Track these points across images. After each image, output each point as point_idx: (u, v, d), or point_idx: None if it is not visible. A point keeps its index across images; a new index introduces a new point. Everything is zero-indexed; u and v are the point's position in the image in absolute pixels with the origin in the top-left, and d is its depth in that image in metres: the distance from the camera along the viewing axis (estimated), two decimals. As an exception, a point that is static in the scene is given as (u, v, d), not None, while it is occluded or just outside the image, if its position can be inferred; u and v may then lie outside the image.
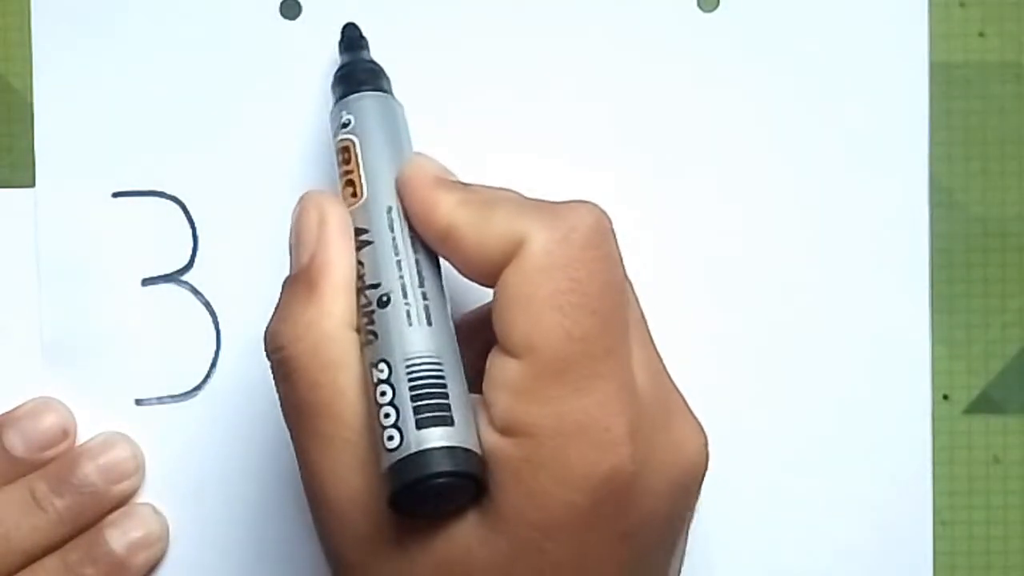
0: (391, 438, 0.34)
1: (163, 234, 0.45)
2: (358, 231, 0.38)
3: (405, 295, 0.36)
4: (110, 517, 0.44)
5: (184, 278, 0.45)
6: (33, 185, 0.45)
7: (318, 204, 0.38)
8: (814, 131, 0.45)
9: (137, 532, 0.44)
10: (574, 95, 0.45)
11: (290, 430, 0.37)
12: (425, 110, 0.45)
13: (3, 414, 0.45)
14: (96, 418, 0.45)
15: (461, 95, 0.45)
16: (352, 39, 0.43)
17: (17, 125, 0.45)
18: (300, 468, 0.37)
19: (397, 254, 0.37)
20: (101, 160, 0.45)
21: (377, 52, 0.44)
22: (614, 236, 0.36)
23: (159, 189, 0.45)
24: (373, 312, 0.36)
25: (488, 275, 0.35)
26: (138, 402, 0.45)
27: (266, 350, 0.37)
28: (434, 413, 0.34)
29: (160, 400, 0.45)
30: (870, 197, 0.44)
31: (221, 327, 0.45)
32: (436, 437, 0.34)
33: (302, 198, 0.39)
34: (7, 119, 0.46)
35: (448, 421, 0.34)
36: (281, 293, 0.38)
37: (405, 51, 0.45)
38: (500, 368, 0.34)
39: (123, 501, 0.44)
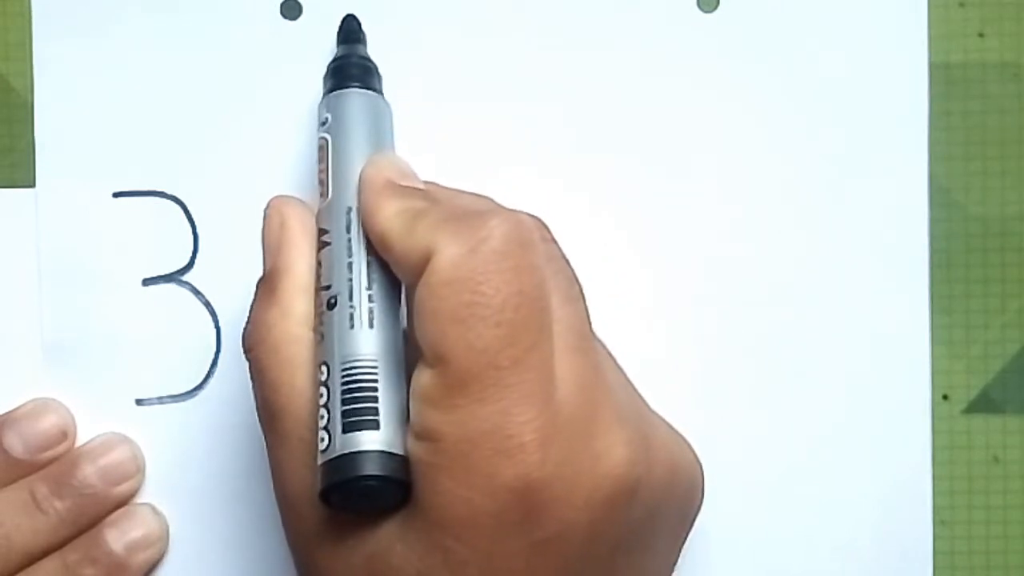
0: (323, 439, 0.36)
1: (163, 234, 0.45)
2: (321, 231, 0.39)
3: (351, 298, 0.37)
4: (110, 517, 0.44)
5: (184, 278, 0.45)
6: (33, 185, 0.45)
7: (279, 208, 0.40)
8: (814, 131, 0.45)
9: (137, 532, 0.44)
10: (574, 96, 0.45)
11: (260, 427, 0.38)
12: (421, 109, 0.45)
13: (3, 415, 0.45)
14: (96, 418, 0.45)
15: (459, 95, 0.45)
16: (349, 31, 0.43)
17: (17, 125, 0.45)
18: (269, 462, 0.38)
19: (350, 256, 0.38)
20: (101, 160, 0.45)
21: (377, 52, 0.44)
22: (543, 244, 0.36)
23: (159, 189, 0.45)
24: (323, 314, 0.37)
25: (411, 286, 0.36)
26: (138, 402, 0.45)
27: (242, 349, 0.39)
28: (361, 417, 0.35)
29: (160, 400, 0.45)
30: (870, 197, 0.44)
31: (221, 327, 0.45)
32: (360, 441, 0.35)
33: (268, 202, 0.40)
34: (7, 119, 0.46)
35: (374, 425, 0.35)
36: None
37: (405, 51, 0.45)
38: (417, 377, 0.35)
39: (123, 502, 0.44)
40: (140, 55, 0.45)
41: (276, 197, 0.40)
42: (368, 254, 0.38)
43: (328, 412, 0.36)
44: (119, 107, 0.45)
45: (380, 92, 0.42)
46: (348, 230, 0.38)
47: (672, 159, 0.45)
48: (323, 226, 0.39)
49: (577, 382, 0.35)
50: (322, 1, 0.45)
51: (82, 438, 0.45)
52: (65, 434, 0.44)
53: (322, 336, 0.37)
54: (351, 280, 0.37)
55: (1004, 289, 0.45)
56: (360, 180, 0.39)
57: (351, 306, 0.37)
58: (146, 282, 0.45)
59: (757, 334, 0.45)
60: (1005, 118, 0.45)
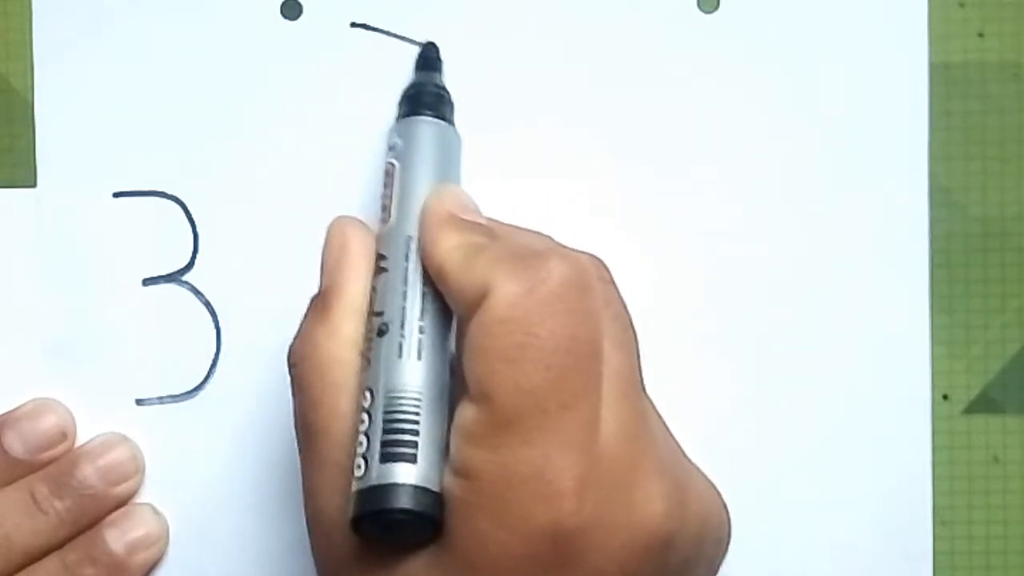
0: (359, 466, 0.35)
1: (163, 234, 0.45)
2: (379, 256, 0.39)
3: (402, 326, 0.37)
4: (110, 517, 0.44)
5: (184, 278, 0.45)
6: (34, 185, 0.45)
7: (342, 228, 0.39)
8: (814, 131, 0.45)
9: (137, 532, 0.44)
10: (574, 96, 0.45)
11: (297, 443, 0.38)
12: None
13: (3, 415, 0.45)
14: (96, 418, 0.45)
15: (457, 94, 0.45)
16: (427, 59, 0.44)
17: (18, 125, 0.46)
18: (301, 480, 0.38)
19: (405, 284, 0.38)
20: (102, 160, 0.45)
21: (377, 51, 0.44)
22: (602, 286, 0.36)
23: (160, 189, 0.45)
24: (372, 339, 0.37)
25: (464, 320, 0.36)
26: (138, 402, 0.45)
27: (287, 364, 0.38)
28: (400, 449, 0.35)
29: (160, 400, 0.45)
30: (870, 197, 0.44)
31: (221, 327, 0.45)
32: (396, 473, 0.35)
33: (331, 222, 0.40)
34: (8, 119, 0.46)
35: (411, 458, 0.35)
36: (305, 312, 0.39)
37: (404, 52, 0.45)
38: (461, 412, 0.35)
39: (123, 502, 0.44)
40: (140, 55, 0.45)
41: (340, 217, 0.40)
42: (424, 284, 0.38)
43: (368, 439, 0.35)
44: (119, 107, 0.45)
45: (452, 122, 0.42)
46: (407, 259, 0.38)
47: (672, 159, 0.45)
48: (382, 251, 0.39)
49: (621, 431, 0.35)
50: (322, 1, 0.45)
51: (82, 438, 0.45)
52: (65, 434, 0.44)
53: (369, 362, 0.37)
54: (404, 309, 0.37)
55: (1004, 289, 0.45)
56: (422, 210, 0.39)
57: (401, 336, 0.37)
58: (146, 282, 0.45)
59: (757, 334, 0.45)
60: (1005, 118, 0.45)
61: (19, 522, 0.43)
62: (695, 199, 0.45)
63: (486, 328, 0.34)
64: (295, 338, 0.38)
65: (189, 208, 0.45)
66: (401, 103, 0.42)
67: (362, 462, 0.35)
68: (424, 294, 0.37)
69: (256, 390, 0.45)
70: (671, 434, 0.38)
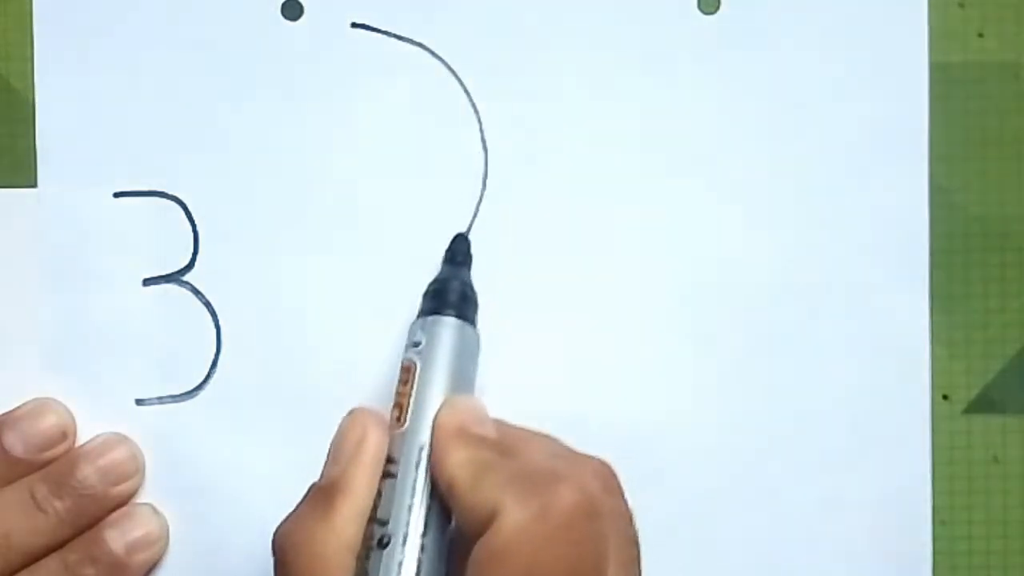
0: None
1: (164, 234, 0.45)
2: (389, 459, 0.39)
3: (404, 542, 0.37)
4: (110, 517, 0.44)
5: (184, 278, 0.45)
6: (35, 185, 0.45)
7: (363, 424, 0.39)
8: (814, 132, 0.45)
9: (137, 532, 0.44)
10: (574, 97, 0.45)
11: None
12: (418, 109, 0.45)
13: (3, 415, 0.45)
14: (96, 418, 0.45)
15: (454, 95, 0.45)
16: (456, 253, 0.43)
17: (18, 125, 0.45)
18: None
19: (413, 496, 0.38)
20: (102, 160, 0.45)
21: (377, 51, 0.44)
22: (610, 503, 0.37)
23: (160, 189, 0.45)
24: (371, 548, 0.37)
25: (470, 538, 0.36)
26: (138, 402, 0.45)
27: (273, 538, 0.39)
28: None
29: (160, 400, 0.45)
30: (870, 197, 0.44)
31: (221, 327, 0.45)
32: None
33: (352, 412, 0.40)
34: (8, 119, 0.46)
35: None
36: (305, 494, 0.39)
37: (405, 53, 0.45)
38: None
39: (123, 502, 0.44)
40: (140, 55, 0.45)
41: (359, 409, 0.40)
42: (431, 499, 0.38)
43: None
44: (120, 107, 0.45)
45: (475, 323, 0.42)
46: (417, 468, 0.38)
47: (672, 160, 0.45)
48: (392, 455, 0.39)
49: None
50: (323, 1, 0.45)
51: (82, 438, 0.45)
52: (65, 434, 0.44)
53: (366, 572, 0.37)
54: (408, 524, 0.37)
55: (1004, 289, 0.45)
56: (436, 421, 0.39)
57: (403, 554, 0.37)
58: (146, 282, 0.45)
59: (757, 334, 0.45)
60: (1005, 118, 0.45)
61: (19, 522, 0.43)
62: (695, 199, 0.45)
63: (492, 554, 0.35)
64: (288, 520, 0.38)
65: (189, 208, 0.45)
66: (426, 296, 0.42)
67: None
68: (430, 508, 0.38)
69: (256, 390, 0.45)
70: None
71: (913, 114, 0.44)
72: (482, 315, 0.44)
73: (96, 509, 0.44)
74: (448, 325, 0.41)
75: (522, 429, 0.40)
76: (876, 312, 0.44)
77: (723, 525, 0.44)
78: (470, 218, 0.45)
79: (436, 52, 0.45)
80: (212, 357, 0.45)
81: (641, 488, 0.44)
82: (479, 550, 0.35)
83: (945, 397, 0.45)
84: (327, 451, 0.39)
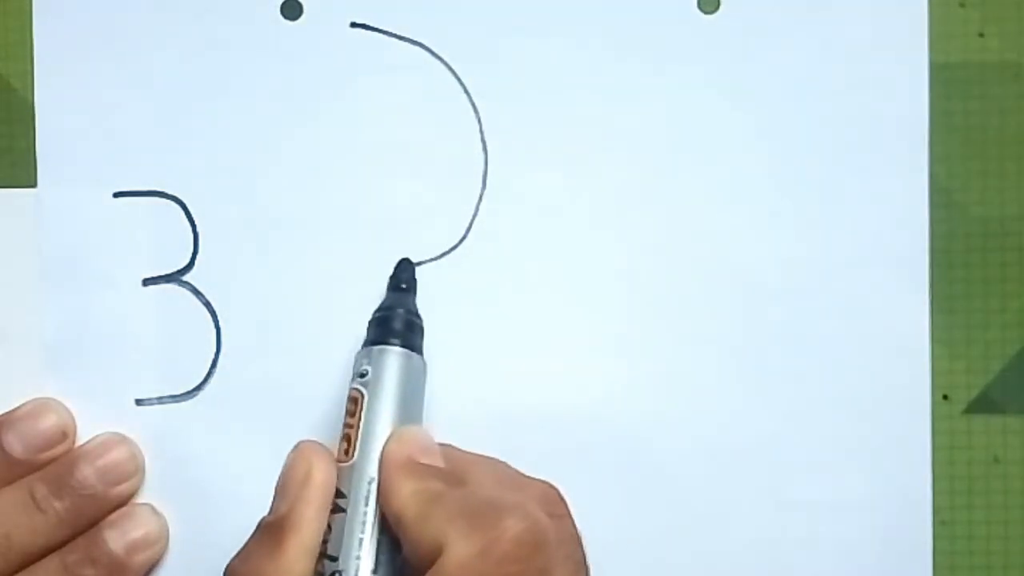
0: None
1: (163, 234, 0.45)
2: (338, 493, 0.39)
3: None
4: (110, 518, 0.44)
5: (184, 278, 0.45)
6: (34, 185, 0.45)
7: (308, 459, 0.39)
8: (814, 132, 0.45)
9: (136, 532, 0.44)
10: (574, 97, 0.45)
11: None
12: (418, 108, 0.45)
13: (3, 415, 0.45)
14: (96, 418, 0.45)
15: (454, 95, 0.45)
16: (400, 279, 0.43)
17: (18, 125, 0.45)
18: None
19: (363, 531, 0.38)
20: (102, 160, 0.45)
21: (377, 51, 0.44)
22: (556, 528, 0.37)
23: (160, 189, 0.45)
24: None
25: (421, 573, 0.36)
26: (138, 402, 0.45)
27: None
28: None
29: (160, 400, 0.45)
30: (870, 197, 0.44)
31: (221, 327, 0.45)
32: None
33: (297, 446, 0.40)
34: (8, 119, 0.46)
35: None
36: (255, 530, 0.39)
37: (405, 52, 0.45)
38: None
39: (123, 502, 0.44)
40: (140, 55, 0.45)
41: (305, 444, 0.40)
42: (380, 533, 0.38)
43: None
44: (120, 107, 0.45)
45: (420, 351, 0.42)
46: (366, 502, 0.38)
47: (672, 160, 0.45)
48: (342, 488, 0.39)
49: None
50: (322, 1, 0.45)
51: (82, 438, 0.45)
52: (65, 434, 0.44)
53: None
54: (359, 559, 0.38)
55: (1004, 289, 0.45)
56: (383, 453, 0.39)
57: None
58: (146, 282, 0.45)
59: (757, 334, 0.45)
60: (1005, 118, 0.45)
61: (18, 522, 0.43)
62: (695, 199, 0.45)
63: None
64: (237, 557, 0.39)
65: (189, 208, 0.45)
66: (371, 326, 0.42)
67: None
68: (379, 543, 0.38)
69: (256, 390, 0.45)
70: None
71: (913, 114, 0.44)
72: (483, 314, 0.44)
73: (96, 509, 0.44)
74: (394, 354, 0.41)
75: (470, 454, 0.40)
76: (876, 312, 0.44)
77: (723, 525, 0.44)
78: (470, 218, 0.45)
79: (436, 52, 0.45)
80: (212, 357, 0.45)
81: (641, 489, 0.44)
82: None
83: (945, 397, 0.45)
84: (274, 487, 0.40)
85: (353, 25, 0.45)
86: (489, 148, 0.45)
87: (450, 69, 0.45)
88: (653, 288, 0.45)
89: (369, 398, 0.40)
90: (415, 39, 0.45)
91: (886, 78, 0.44)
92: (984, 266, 0.45)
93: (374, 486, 0.39)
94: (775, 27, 0.45)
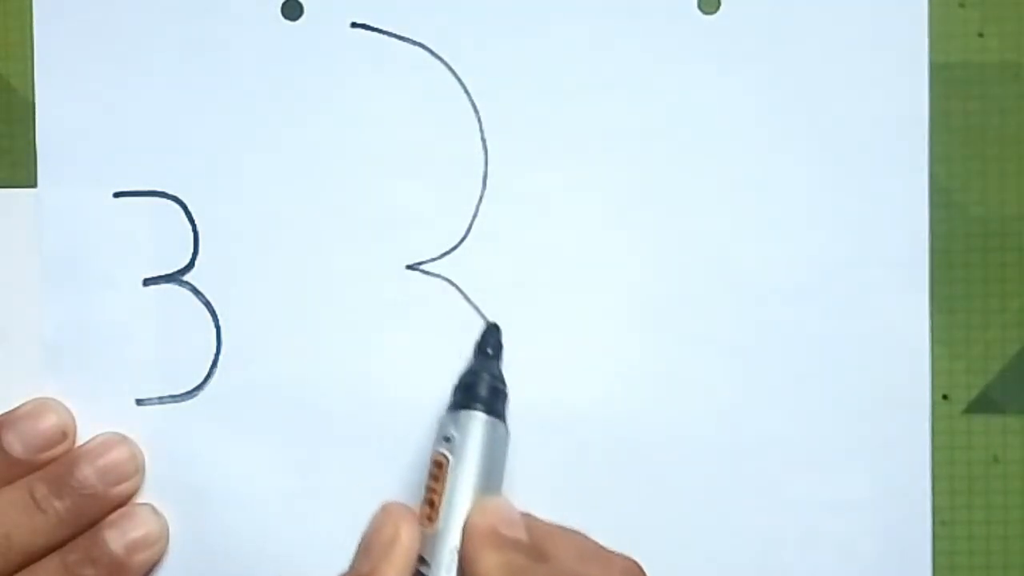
0: None
1: (164, 234, 0.45)
2: (421, 559, 0.39)
3: None
4: (110, 518, 0.44)
5: (184, 278, 0.45)
6: (34, 185, 0.45)
7: (396, 522, 0.40)
8: (814, 132, 0.45)
9: (137, 532, 0.44)
10: (574, 97, 0.45)
11: None
12: (418, 108, 0.45)
13: (3, 415, 0.45)
14: (96, 418, 0.45)
15: (454, 95, 0.45)
16: (488, 344, 0.44)
17: (18, 125, 0.46)
18: None
19: None
20: (102, 160, 0.45)
21: (377, 51, 0.44)
22: None
23: (160, 189, 0.45)
24: None
25: None
26: (138, 402, 0.45)
27: None
28: None
29: (160, 400, 0.45)
30: (870, 197, 0.44)
31: (221, 327, 0.45)
32: None
33: (384, 507, 0.40)
34: (8, 119, 0.46)
35: None
36: None
37: (405, 52, 0.45)
38: None
39: (123, 502, 0.44)
40: (141, 55, 0.45)
41: (393, 505, 0.40)
42: None
43: None
44: (120, 107, 0.45)
45: (504, 419, 0.42)
46: (448, 572, 0.39)
47: (672, 160, 0.45)
48: (424, 555, 0.39)
49: None
50: (323, 1, 0.45)
51: (82, 438, 0.45)
52: (65, 434, 0.44)
53: None
54: None
55: (1004, 289, 0.45)
56: (466, 526, 0.39)
57: None
58: (146, 282, 0.45)
59: (757, 334, 0.45)
60: (1005, 118, 0.45)
61: (19, 521, 0.43)
62: (695, 199, 0.45)
63: None
64: None
65: (189, 208, 0.45)
66: (458, 390, 0.42)
67: None
68: None
69: (256, 390, 0.45)
70: None
71: (913, 114, 0.44)
72: (484, 314, 0.44)
73: (96, 509, 0.44)
74: (480, 421, 0.41)
75: (551, 526, 0.40)
76: (876, 312, 0.44)
77: (723, 525, 0.44)
78: (470, 218, 0.45)
79: (436, 52, 0.45)
80: (212, 357, 0.45)
81: (639, 488, 0.44)
82: None
83: (945, 397, 0.45)
84: (358, 544, 0.40)
85: (353, 25, 0.45)
86: (489, 148, 0.45)
87: (450, 69, 0.45)
88: (653, 288, 0.45)
89: (454, 463, 0.40)
90: (415, 39, 0.45)
91: (886, 78, 0.44)
92: (984, 266, 0.45)
93: (456, 555, 0.39)
94: (775, 27, 0.45)
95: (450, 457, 0.40)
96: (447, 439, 0.41)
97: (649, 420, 0.44)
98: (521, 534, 0.39)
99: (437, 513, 0.40)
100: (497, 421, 0.41)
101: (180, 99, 0.45)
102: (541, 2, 0.45)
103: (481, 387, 0.42)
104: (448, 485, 0.40)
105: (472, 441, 0.41)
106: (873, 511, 0.44)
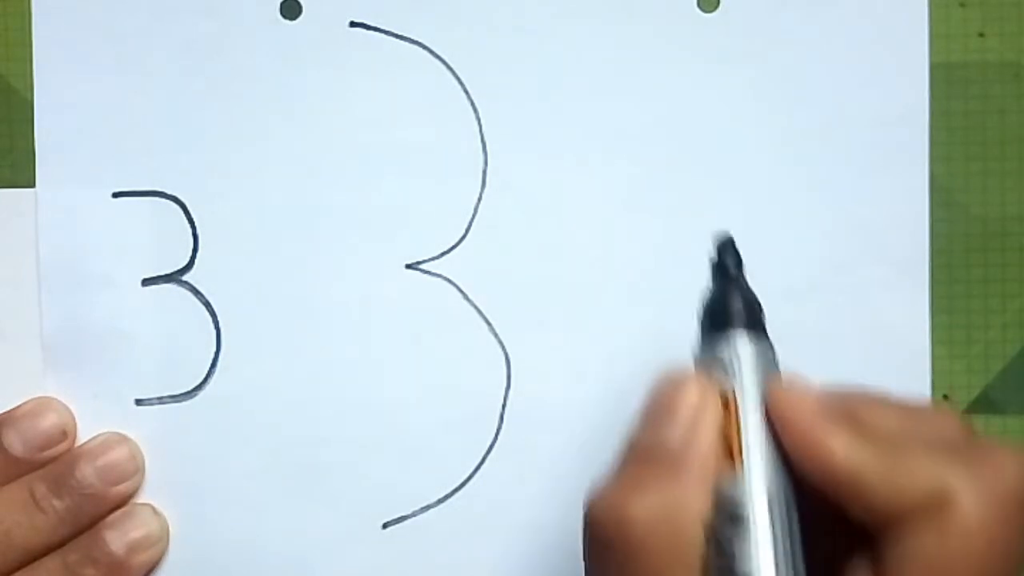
0: None
1: (163, 234, 0.45)
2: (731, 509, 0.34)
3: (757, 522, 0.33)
4: (110, 518, 0.44)
5: (184, 278, 0.45)
6: (33, 185, 0.45)
7: (702, 391, 0.34)
8: (814, 131, 0.45)
9: (137, 532, 0.44)
10: (574, 96, 0.45)
11: None
12: (418, 108, 0.45)
13: (3, 414, 0.45)
14: (96, 418, 0.45)
15: (454, 95, 0.45)
16: (729, 262, 0.39)
17: (17, 125, 0.45)
18: None
19: (780, 549, 0.33)
20: (101, 160, 0.45)
21: (377, 51, 0.44)
22: None
23: (159, 189, 0.45)
24: (723, 523, 0.33)
25: (891, 528, 0.31)
26: (138, 402, 0.45)
27: (592, 512, 0.34)
28: None
29: (160, 400, 0.45)
30: (870, 197, 0.44)
31: (221, 327, 0.45)
32: None
33: (676, 373, 0.35)
34: (7, 119, 0.46)
35: None
36: (625, 458, 0.35)
37: (404, 52, 0.45)
38: None
39: (123, 502, 0.44)
40: (140, 55, 0.45)
41: (685, 373, 0.35)
42: (792, 542, 0.33)
43: None
44: (119, 107, 0.45)
45: (767, 332, 0.38)
46: (772, 511, 0.33)
47: (672, 159, 0.45)
48: (730, 502, 0.33)
49: None
50: (322, 1, 0.45)
51: (82, 438, 0.45)
52: (65, 433, 0.44)
53: (720, 546, 0.33)
54: (757, 511, 0.33)
55: (1004, 289, 0.45)
56: (778, 419, 0.34)
57: (759, 532, 0.32)
58: (146, 282, 0.45)
59: (757, 334, 0.45)
60: (1005, 118, 0.45)
61: (18, 520, 0.43)
62: (695, 198, 0.45)
63: (953, 547, 0.30)
64: (623, 488, 0.33)
65: (189, 208, 0.45)
66: (711, 313, 0.38)
67: None
68: (793, 554, 0.33)
69: (256, 390, 0.45)
70: None
71: (913, 114, 0.44)
72: (484, 314, 0.44)
73: (96, 509, 0.44)
74: (754, 345, 0.37)
75: (839, 391, 0.35)
76: (876, 312, 0.44)
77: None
78: (469, 217, 0.45)
79: (436, 52, 0.45)
80: (212, 357, 0.45)
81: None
82: (933, 543, 0.31)
83: (945, 397, 0.45)
84: (644, 411, 0.35)
85: (352, 24, 0.45)
86: (488, 147, 0.45)
87: (449, 68, 0.45)
88: (653, 287, 0.45)
89: (742, 397, 0.35)
90: (415, 39, 0.45)
91: (886, 78, 0.44)
92: (984, 266, 0.45)
93: (780, 495, 0.33)
94: (775, 26, 0.45)
95: (734, 391, 0.35)
96: (725, 369, 0.36)
97: (649, 420, 0.44)
98: (836, 408, 0.34)
99: (738, 457, 0.34)
100: (767, 340, 0.37)
101: (179, 99, 0.45)
102: (541, 2, 0.45)
103: (743, 304, 0.37)
104: (744, 424, 0.34)
105: (753, 370, 0.36)
106: (873, 511, 0.44)
